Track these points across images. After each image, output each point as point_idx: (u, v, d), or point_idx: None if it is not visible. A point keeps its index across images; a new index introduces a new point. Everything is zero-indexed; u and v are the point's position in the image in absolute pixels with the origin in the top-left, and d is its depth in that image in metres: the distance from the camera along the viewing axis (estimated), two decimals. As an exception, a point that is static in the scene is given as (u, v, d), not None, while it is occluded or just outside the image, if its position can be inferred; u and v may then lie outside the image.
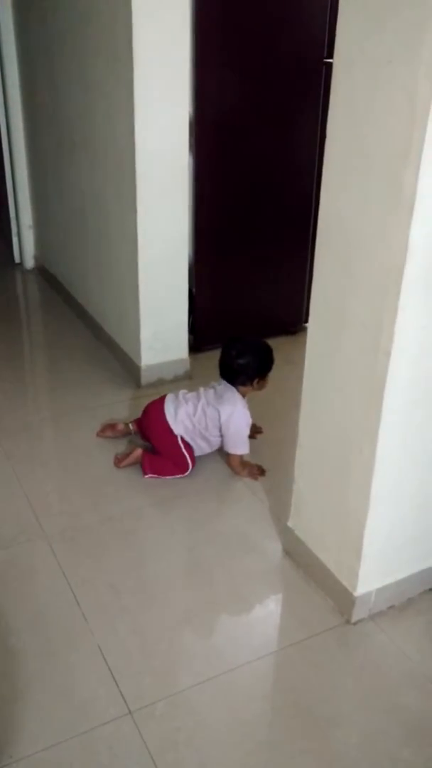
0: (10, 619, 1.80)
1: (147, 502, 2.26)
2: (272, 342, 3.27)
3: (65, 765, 1.47)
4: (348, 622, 1.82)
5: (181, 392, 2.39)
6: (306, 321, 3.38)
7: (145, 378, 2.90)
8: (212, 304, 3.16)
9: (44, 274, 4.06)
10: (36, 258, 4.19)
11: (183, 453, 2.31)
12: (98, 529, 2.12)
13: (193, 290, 3.01)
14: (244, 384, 2.32)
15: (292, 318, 3.39)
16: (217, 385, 2.36)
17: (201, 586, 1.94)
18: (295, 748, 1.53)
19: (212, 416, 2.30)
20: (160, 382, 2.92)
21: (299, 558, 1.99)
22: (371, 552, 1.74)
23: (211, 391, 2.35)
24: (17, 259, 4.24)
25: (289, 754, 1.52)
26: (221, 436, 2.33)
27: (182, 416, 2.31)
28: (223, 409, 2.28)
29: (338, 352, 1.66)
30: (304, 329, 3.39)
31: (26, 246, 4.16)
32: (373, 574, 1.79)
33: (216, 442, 2.37)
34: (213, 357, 3.16)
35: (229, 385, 2.33)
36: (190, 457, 2.33)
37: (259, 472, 2.38)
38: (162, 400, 2.37)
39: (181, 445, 2.31)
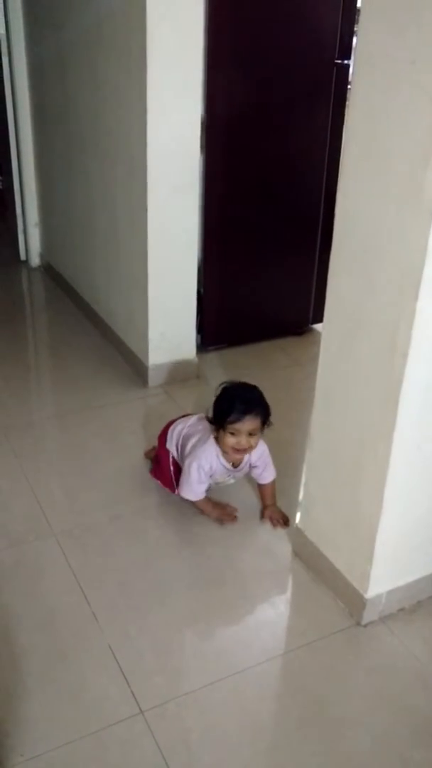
0: (21, 617, 1.79)
1: (155, 501, 2.25)
2: (279, 343, 3.32)
3: (77, 764, 1.46)
4: (358, 624, 1.82)
5: (199, 416, 2.22)
6: (313, 322, 3.39)
7: (153, 377, 2.90)
8: (220, 305, 3.16)
9: (50, 272, 4.05)
10: (42, 256, 4.18)
11: (170, 472, 2.20)
12: (107, 527, 2.12)
13: (201, 290, 3.01)
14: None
15: (299, 319, 3.40)
16: None
17: (210, 586, 1.94)
18: (305, 749, 1.52)
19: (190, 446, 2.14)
20: (168, 382, 2.92)
21: (309, 559, 1.99)
22: (383, 554, 1.74)
23: (205, 424, 2.15)
24: (23, 257, 4.24)
25: (299, 754, 1.51)
26: None
27: (176, 435, 2.19)
28: (189, 445, 2.11)
29: (353, 353, 1.66)
30: (311, 330, 3.41)
31: (32, 244, 4.16)
32: (384, 576, 1.78)
33: None
34: (220, 357, 3.19)
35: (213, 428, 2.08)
36: (176, 480, 2.18)
37: (228, 516, 2.13)
38: (184, 417, 2.27)
39: (171, 465, 2.20)
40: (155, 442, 2.35)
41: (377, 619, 1.83)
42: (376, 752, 1.53)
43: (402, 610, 1.86)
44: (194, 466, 2.05)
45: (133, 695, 1.60)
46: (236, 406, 1.96)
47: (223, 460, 2.07)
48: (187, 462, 2.07)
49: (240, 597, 1.91)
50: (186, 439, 2.15)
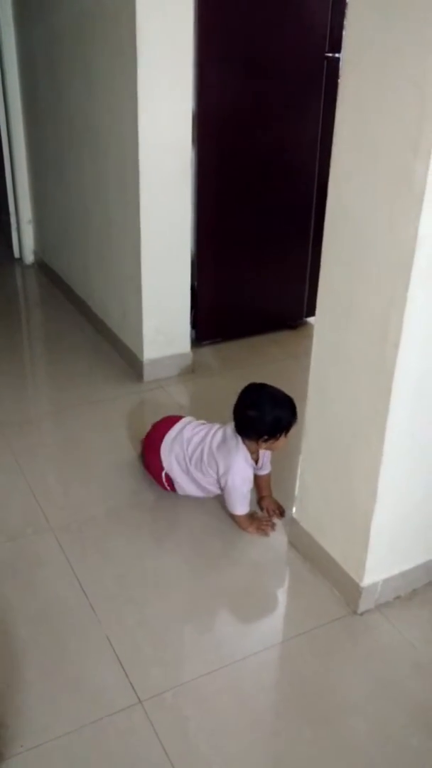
0: (19, 610, 1.80)
1: (151, 494, 2.26)
2: (274, 336, 3.33)
3: (76, 754, 1.47)
4: (354, 612, 1.83)
5: (191, 426, 2.18)
6: (307, 315, 3.41)
7: (148, 372, 2.91)
8: (214, 299, 3.17)
9: (44, 269, 4.06)
10: (35, 253, 4.19)
11: (162, 481, 2.21)
12: (103, 521, 2.13)
13: (195, 284, 3.02)
14: (250, 438, 2.02)
15: (294, 312, 3.41)
16: (228, 427, 2.09)
17: (207, 577, 1.95)
18: (303, 737, 1.54)
19: (211, 464, 2.10)
20: (163, 377, 2.93)
21: (305, 549, 2.00)
22: (378, 543, 1.75)
23: (219, 434, 2.11)
24: (16, 255, 4.24)
25: (297, 742, 1.53)
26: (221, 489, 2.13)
27: (174, 454, 2.16)
28: (221, 462, 2.06)
29: (346, 344, 1.67)
30: (306, 324, 3.42)
31: (26, 241, 4.16)
32: (380, 565, 1.80)
33: (211, 490, 2.17)
34: (215, 351, 3.20)
35: (236, 434, 2.05)
36: (169, 486, 2.21)
37: (269, 525, 2.11)
38: (171, 423, 2.22)
39: (163, 478, 2.19)
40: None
41: (373, 607, 1.84)
42: (374, 738, 1.54)
43: (398, 598, 1.88)
44: (239, 479, 2.03)
45: (132, 685, 1.62)
46: (294, 410, 1.98)
47: (252, 463, 2.08)
48: (229, 479, 2.03)
49: (236, 587, 1.92)
50: (199, 459, 2.11)
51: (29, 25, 3.50)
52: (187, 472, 2.15)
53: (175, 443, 2.17)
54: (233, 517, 2.11)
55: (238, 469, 2.03)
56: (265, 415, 1.97)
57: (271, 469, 2.19)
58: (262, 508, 2.19)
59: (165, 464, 2.18)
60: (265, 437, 2.00)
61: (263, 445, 2.02)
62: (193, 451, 2.13)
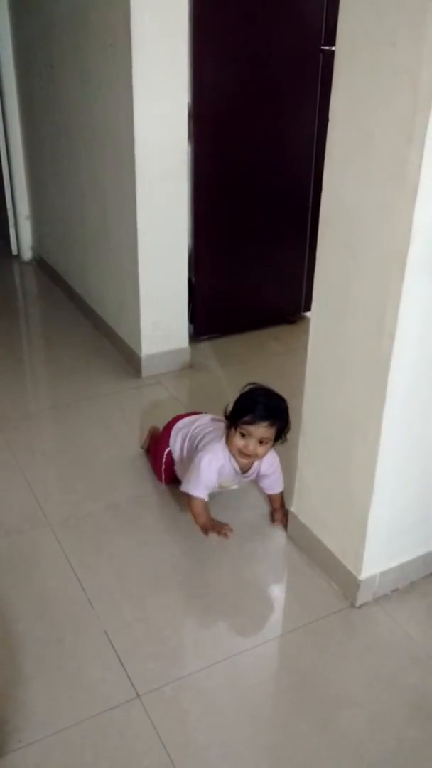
0: (17, 605, 1.80)
1: (149, 489, 2.26)
2: (272, 331, 3.33)
3: (75, 748, 1.47)
4: (352, 605, 1.83)
5: (208, 417, 2.19)
6: (305, 310, 3.40)
7: (146, 367, 2.90)
8: (212, 293, 3.16)
9: (42, 265, 4.05)
10: (33, 249, 4.18)
11: (161, 464, 2.21)
12: (101, 516, 2.13)
13: (193, 279, 3.01)
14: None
15: (292, 307, 3.40)
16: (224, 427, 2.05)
17: (205, 571, 1.95)
18: (301, 729, 1.54)
19: (193, 455, 2.06)
20: (161, 372, 2.93)
21: (303, 543, 2.00)
22: (375, 536, 1.75)
23: (213, 435, 2.07)
24: (14, 251, 4.23)
25: (296, 734, 1.53)
26: None
27: (180, 436, 2.16)
28: (203, 441, 2.06)
29: (342, 336, 1.67)
30: (303, 318, 3.41)
31: (23, 237, 4.15)
32: (377, 558, 1.80)
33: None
34: (213, 346, 3.20)
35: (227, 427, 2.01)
36: (166, 474, 2.22)
37: (217, 529, 1.97)
38: (191, 415, 2.24)
39: (163, 462, 2.20)
40: (151, 432, 2.38)
41: (371, 600, 1.84)
42: (372, 730, 1.54)
43: (396, 590, 1.87)
44: (206, 459, 1.97)
45: (130, 680, 1.62)
46: (257, 408, 1.89)
47: (234, 463, 1.99)
48: (198, 456, 1.99)
49: (235, 581, 1.92)
50: (194, 439, 2.11)
51: (25, 20, 3.49)
52: (183, 449, 2.14)
53: (184, 428, 2.17)
54: (189, 506, 2.01)
55: (210, 450, 1.98)
56: (241, 397, 1.94)
57: (282, 490, 2.13)
58: (275, 521, 2.12)
59: (171, 441, 2.18)
60: (229, 427, 1.96)
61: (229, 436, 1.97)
62: (194, 434, 2.11)
